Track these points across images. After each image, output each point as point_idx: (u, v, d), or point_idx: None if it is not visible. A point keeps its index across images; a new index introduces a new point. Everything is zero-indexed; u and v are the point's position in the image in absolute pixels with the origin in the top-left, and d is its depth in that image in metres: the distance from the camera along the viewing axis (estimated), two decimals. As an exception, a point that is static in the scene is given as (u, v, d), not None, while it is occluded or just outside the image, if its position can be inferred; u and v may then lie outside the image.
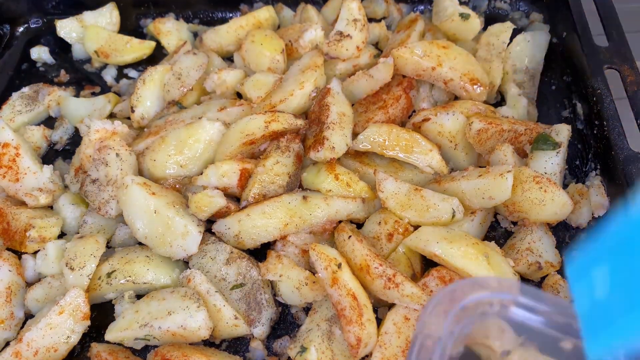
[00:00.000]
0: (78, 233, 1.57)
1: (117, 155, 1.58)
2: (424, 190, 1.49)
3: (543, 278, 1.48)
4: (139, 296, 1.46)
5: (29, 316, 1.48)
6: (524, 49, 1.90)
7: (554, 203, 1.47)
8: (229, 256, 1.47)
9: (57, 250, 1.53)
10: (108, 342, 1.37)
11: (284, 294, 1.44)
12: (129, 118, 1.85)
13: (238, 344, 1.43)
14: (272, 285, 1.47)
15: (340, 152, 1.55)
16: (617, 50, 1.73)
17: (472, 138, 1.59)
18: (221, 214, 1.52)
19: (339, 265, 1.32)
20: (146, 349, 1.41)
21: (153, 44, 2.12)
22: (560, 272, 1.47)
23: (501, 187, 1.43)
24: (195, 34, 2.19)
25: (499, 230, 1.61)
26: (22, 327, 1.45)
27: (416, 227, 1.51)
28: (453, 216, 1.43)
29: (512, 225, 1.59)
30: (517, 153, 1.62)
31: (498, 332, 1.11)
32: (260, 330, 1.40)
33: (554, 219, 1.51)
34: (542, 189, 1.46)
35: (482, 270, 1.32)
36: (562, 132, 1.60)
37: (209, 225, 1.55)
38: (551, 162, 1.56)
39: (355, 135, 1.63)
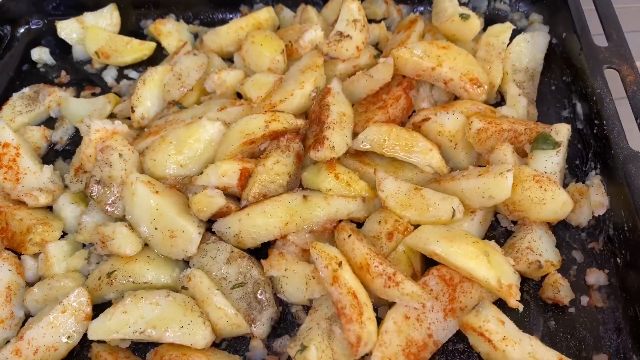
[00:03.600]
0: (78, 232, 1.57)
1: (120, 155, 1.58)
2: (424, 190, 1.49)
3: (544, 277, 1.47)
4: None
5: (28, 316, 1.47)
6: (524, 49, 1.90)
7: (554, 202, 1.47)
8: (230, 255, 1.47)
9: (58, 252, 1.53)
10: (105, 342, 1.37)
11: (287, 290, 1.44)
12: (129, 118, 1.85)
13: (238, 343, 1.43)
14: (272, 284, 1.47)
15: (340, 152, 1.56)
16: (616, 50, 1.74)
17: (472, 137, 1.59)
18: (221, 214, 1.52)
19: (340, 264, 1.32)
20: (146, 348, 1.41)
21: (153, 45, 2.13)
22: (561, 270, 1.47)
23: (501, 186, 1.43)
24: (196, 35, 2.20)
25: (499, 229, 1.61)
26: (22, 327, 1.44)
27: (416, 226, 1.51)
28: (453, 215, 1.43)
29: (512, 225, 1.59)
30: (517, 153, 1.62)
31: None
32: (261, 329, 1.40)
33: (554, 218, 1.51)
34: (542, 188, 1.46)
35: (483, 268, 1.32)
36: (562, 132, 1.60)
37: (209, 224, 1.55)
38: (551, 161, 1.57)
39: (355, 135, 1.64)
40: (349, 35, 1.84)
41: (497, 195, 1.45)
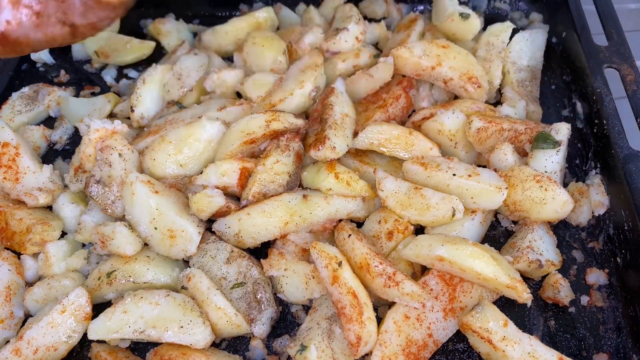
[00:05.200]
0: (77, 232, 1.57)
1: (120, 155, 1.58)
2: (424, 189, 1.48)
3: (544, 277, 1.47)
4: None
5: (28, 316, 1.47)
6: (523, 47, 1.90)
7: (555, 202, 1.46)
8: (230, 255, 1.47)
9: (57, 252, 1.52)
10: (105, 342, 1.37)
11: (287, 290, 1.44)
12: (128, 118, 1.85)
13: (238, 343, 1.43)
14: (272, 284, 1.47)
15: (340, 153, 1.55)
16: (616, 49, 1.74)
17: (472, 137, 1.59)
18: (221, 213, 1.51)
19: (340, 264, 1.32)
20: (146, 348, 1.41)
21: (153, 44, 2.12)
22: (561, 270, 1.47)
23: (493, 199, 1.45)
24: (195, 34, 2.19)
25: (499, 229, 1.61)
26: (22, 327, 1.44)
27: (416, 226, 1.51)
28: (453, 215, 1.43)
29: (513, 225, 1.59)
30: (517, 152, 1.62)
31: None
32: (261, 329, 1.39)
33: (555, 217, 1.51)
34: (543, 188, 1.46)
35: (491, 267, 1.31)
36: (562, 131, 1.60)
37: (209, 224, 1.55)
38: (551, 160, 1.56)
39: (355, 134, 1.63)
40: (345, 27, 1.84)
41: (484, 205, 1.46)
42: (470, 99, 1.74)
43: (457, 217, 1.44)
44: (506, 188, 1.45)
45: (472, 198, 1.46)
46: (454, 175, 1.47)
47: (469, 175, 1.46)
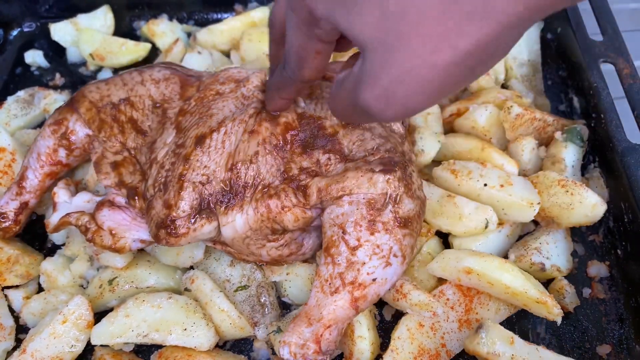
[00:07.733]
0: (65, 246, 1.53)
1: None
2: (457, 197, 1.40)
3: (550, 281, 1.46)
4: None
5: (24, 325, 1.45)
6: (521, 42, 1.91)
7: (583, 205, 1.42)
8: (233, 258, 1.46)
9: (55, 265, 1.48)
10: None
11: (291, 293, 1.43)
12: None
13: (242, 343, 1.42)
14: (276, 287, 1.46)
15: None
16: (611, 44, 1.74)
17: (508, 122, 1.54)
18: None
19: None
20: (149, 350, 1.40)
21: (148, 46, 2.10)
22: (569, 278, 1.45)
23: (524, 213, 1.41)
24: (189, 34, 2.18)
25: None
26: (17, 334, 1.43)
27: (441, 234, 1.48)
28: (486, 227, 1.38)
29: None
30: (540, 143, 1.61)
31: None
32: (265, 333, 1.39)
33: (587, 221, 1.46)
34: (569, 192, 1.43)
35: (520, 281, 1.26)
36: (584, 132, 1.63)
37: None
38: (578, 157, 1.58)
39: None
40: None
41: (514, 218, 1.43)
42: (481, 88, 1.73)
43: (490, 229, 1.39)
44: (538, 203, 1.39)
45: (503, 209, 1.41)
46: (485, 185, 1.41)
47: (501, 186, 1.40)
